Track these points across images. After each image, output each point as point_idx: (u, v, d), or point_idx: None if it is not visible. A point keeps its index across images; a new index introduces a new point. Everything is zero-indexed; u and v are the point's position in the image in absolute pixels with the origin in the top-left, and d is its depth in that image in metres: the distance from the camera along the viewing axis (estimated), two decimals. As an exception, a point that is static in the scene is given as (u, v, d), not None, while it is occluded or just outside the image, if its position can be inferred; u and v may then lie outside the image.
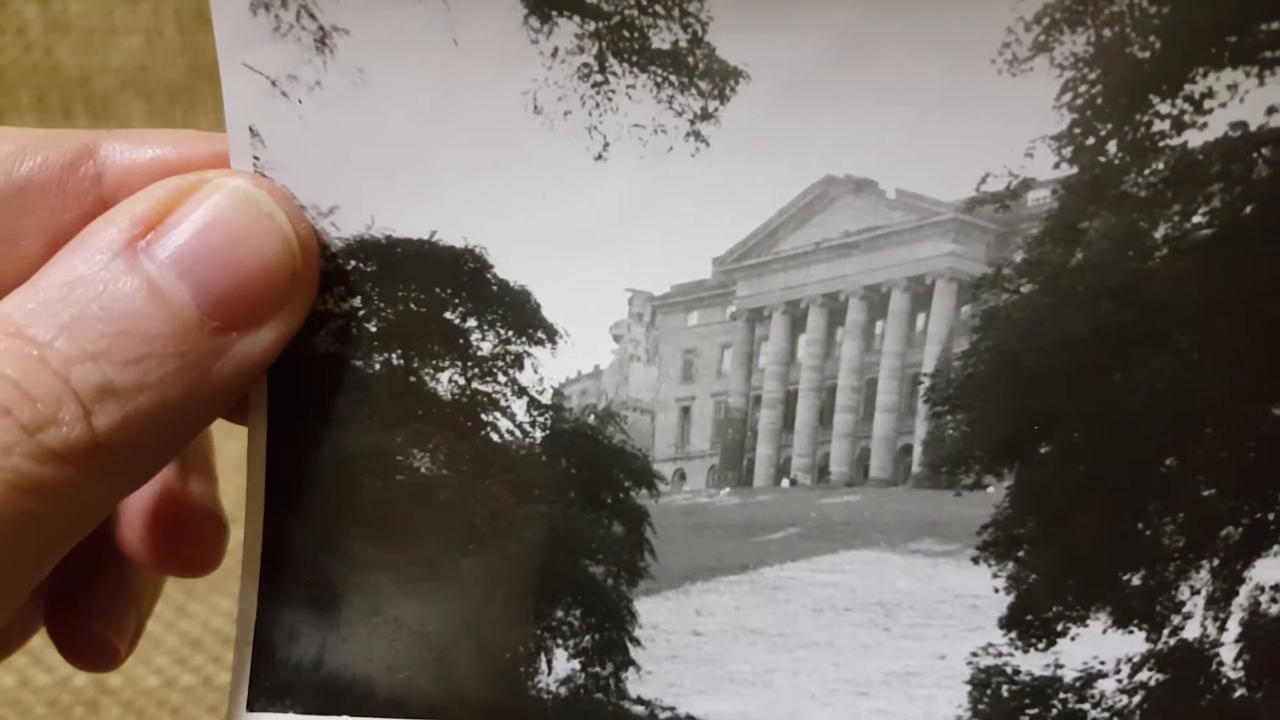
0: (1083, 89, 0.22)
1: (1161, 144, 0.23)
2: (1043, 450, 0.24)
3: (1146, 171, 0.23)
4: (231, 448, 0.29)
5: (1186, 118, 0.23)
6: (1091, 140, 0.23)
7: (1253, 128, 0.22)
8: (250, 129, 0.24)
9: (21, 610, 0.26)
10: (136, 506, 0.30)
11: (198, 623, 0.53)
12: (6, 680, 0.49)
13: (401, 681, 0.26)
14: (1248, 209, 0.23)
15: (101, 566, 0.30)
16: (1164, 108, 0.22)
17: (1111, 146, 0.23)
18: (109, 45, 0.65)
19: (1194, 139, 0.22)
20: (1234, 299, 0.23)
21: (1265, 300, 0.23)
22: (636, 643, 0.25)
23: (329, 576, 0.25)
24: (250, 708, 0.26)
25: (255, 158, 0.24)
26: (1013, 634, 0.24)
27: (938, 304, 0.24)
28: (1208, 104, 0.22)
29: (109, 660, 0.30)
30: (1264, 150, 0.23)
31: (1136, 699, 0.24)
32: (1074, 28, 0.22)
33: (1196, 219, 0.23)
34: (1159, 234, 0.23)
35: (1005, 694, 0.24)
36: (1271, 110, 0.22)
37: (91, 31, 0.65)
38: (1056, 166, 0.23)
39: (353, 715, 0.26)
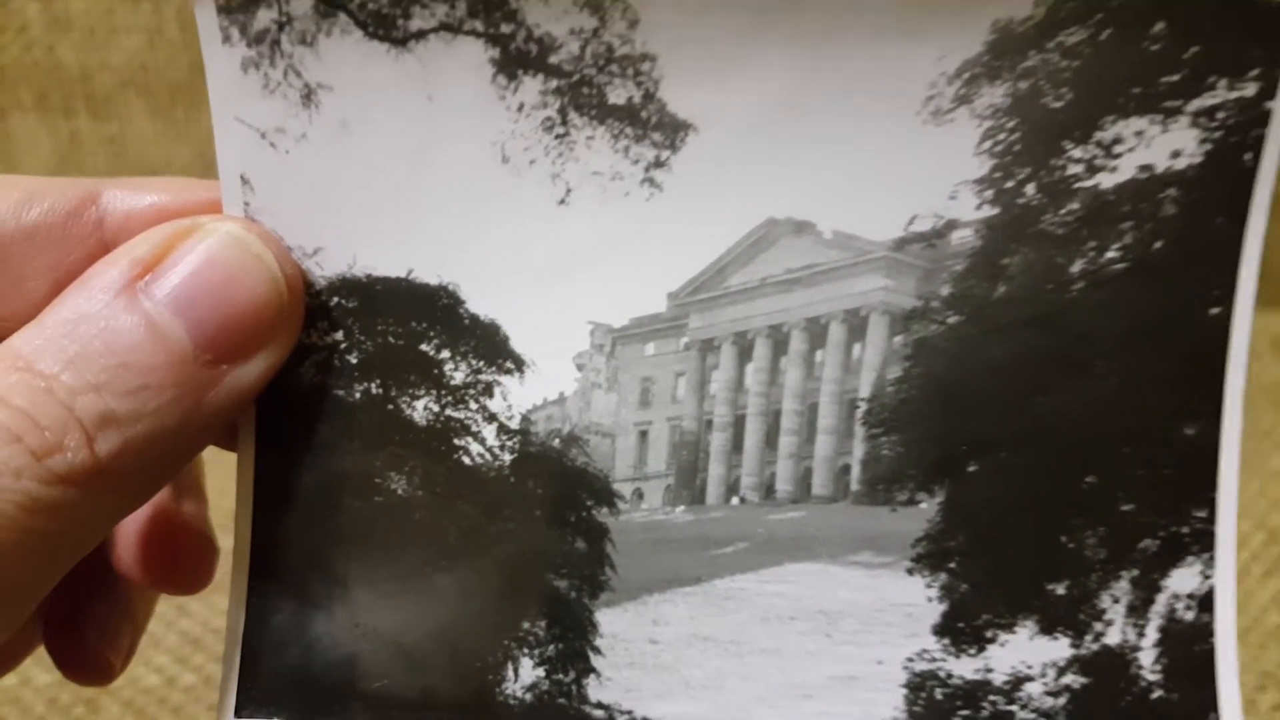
0: (1001, 136, 0.24)
1: (1076, 186, 0.24)
2: (971, 469, 0.25)
3: (1063, 211, 0.24)
4: (226, 462, 0.30)
5: (1098, 161, 0.24)
6: (1011, 183, 0.24)
7: (1159, 170, 0.24)
8: (241, 177, 0.25)
9: (24, 627, 0.27)
10: (132, 527, 0.30)
11: (198, 622, 0.51)
12: (7, 679, 0.47)
13: (378, 689, 0.26)
14: (1157, 244, 0.24)
15: (98, 585, 0.31)
16: (1077, 153, 0.24)
17: (1030, 189, 0.24)
18: (110, 43, 0.63)
19: (1106, 181, 0.24)
20: (1147, 327, 0.24)
21: (1176, 328, 0.24)
22: (597, 651, 0.26)
23: (312, 590, 0.26)
24: (238, 714, 0.26)
25: (246, 203, 0.25)
26: (946, 640, 0.25)
27: (872, 335, 0.25)
28: (1117, 149, 0.24)
29: (105, 675, 0.31)
30: (1170, 190, 0.24)
31: (1062, 700, 0.25)
32: (992, 81, 0.23)
33: (1110, 254, 0.24)
34: (1076, 268, 0.24)
35: (939, 696, 0.25)
36: (1175, 154, 0.23)
37: (93, 30, 0.62)
38: (979, 208, 0.24)
39: None
